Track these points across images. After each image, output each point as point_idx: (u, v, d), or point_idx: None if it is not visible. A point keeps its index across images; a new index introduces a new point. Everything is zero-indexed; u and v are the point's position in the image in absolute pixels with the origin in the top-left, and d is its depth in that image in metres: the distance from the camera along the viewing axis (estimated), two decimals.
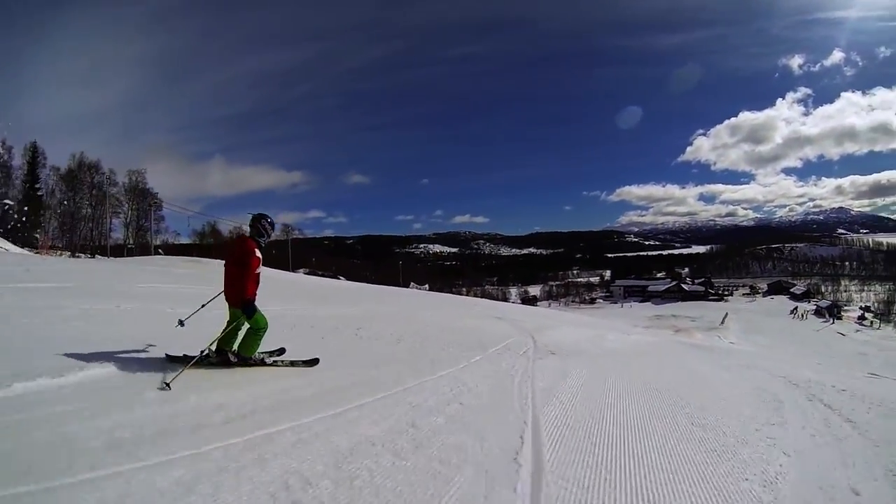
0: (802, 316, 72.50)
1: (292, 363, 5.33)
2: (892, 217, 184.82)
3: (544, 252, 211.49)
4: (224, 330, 4.83)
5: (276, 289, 16.67)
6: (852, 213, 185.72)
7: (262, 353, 5.22)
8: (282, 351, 5.61)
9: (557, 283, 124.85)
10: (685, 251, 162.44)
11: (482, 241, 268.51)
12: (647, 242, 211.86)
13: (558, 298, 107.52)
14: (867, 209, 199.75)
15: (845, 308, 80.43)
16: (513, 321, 14.49)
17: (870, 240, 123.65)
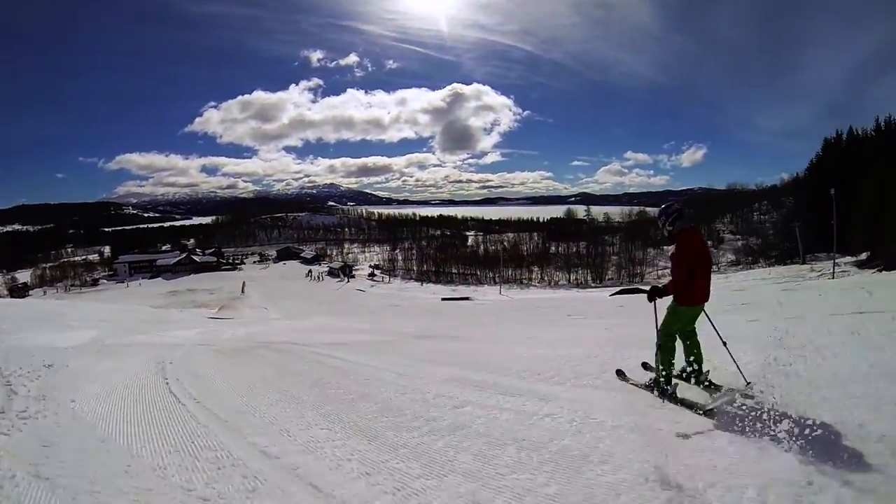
0: (319, 277, 77.93)
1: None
2: (374, 193, 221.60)
3: (31, 229, 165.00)
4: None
5: None
6: (342, 188, 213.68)
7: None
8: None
9: (52, 264, 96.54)
10: (187, 222, 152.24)
11: None
12: (146, 214, 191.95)
13: (54, 283, 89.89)
14: (354, 186, 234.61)
15: (356, 268, 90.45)
16: None
17: (363, 210, 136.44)
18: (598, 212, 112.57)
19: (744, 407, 3.67)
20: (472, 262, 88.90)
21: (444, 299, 50.99)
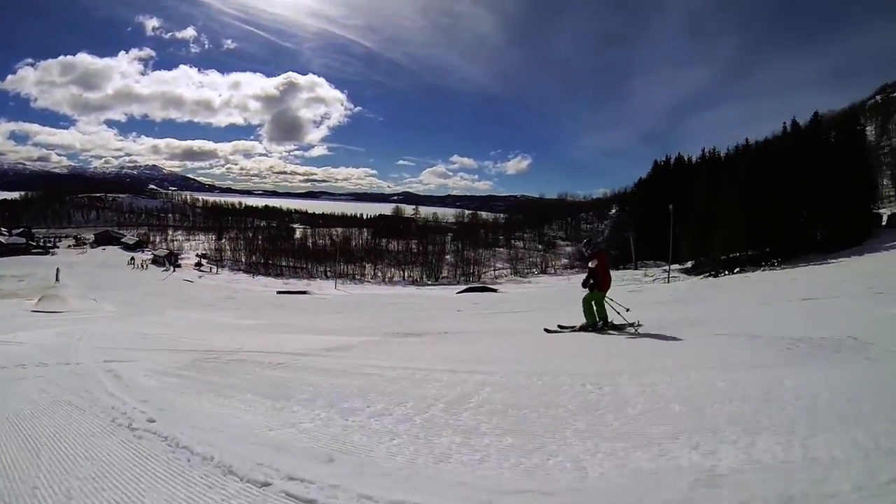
0: (142, 266, 73.40)
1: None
2: (197, 179, 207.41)
3: None
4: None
5: None
6: (164, 171, 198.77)
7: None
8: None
9: None
10: None
11: None
12: None
13: None
14: (178, 170, 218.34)
15: (182, 256, 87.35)
16: None
17: (188, 196, 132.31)
18: (426, 212, 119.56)
19: (630, 330, 8.68)
20: (302, 255, 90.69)
21: (279, 292, 51.84)
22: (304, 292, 52.09)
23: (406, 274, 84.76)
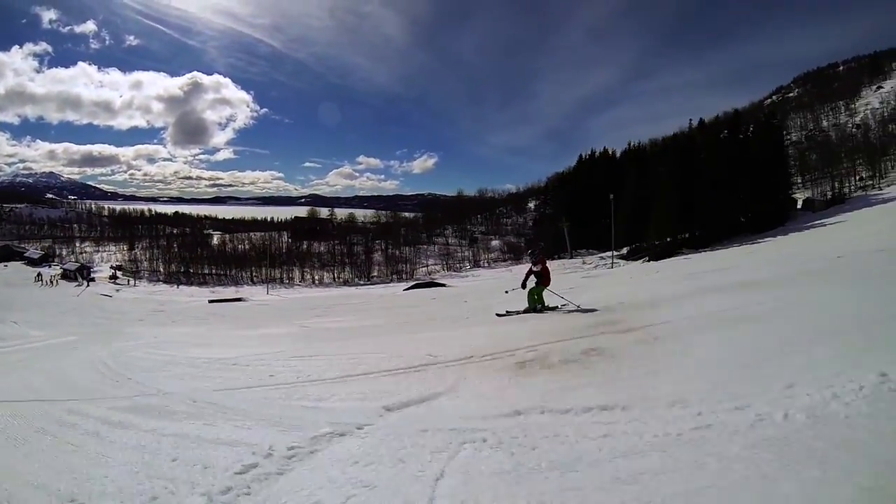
0: (52, 282, 67.43)
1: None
2: (98, 186, 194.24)
3: None
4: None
5: None
6: (62, 178, 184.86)
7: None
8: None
9: None
10: None
11: None
12: None
13: None
14: (77, 177, 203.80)
15: (94, 269, 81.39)
16: None
17: (91, 204, 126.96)
18: (340, 213, 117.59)
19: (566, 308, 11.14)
20: (222, 261, 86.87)
21: (211, 301, 48.96)
22: (239, 299, 49.08)
23: (336, 275, 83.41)
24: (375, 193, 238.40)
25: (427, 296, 27.74)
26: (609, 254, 55.14)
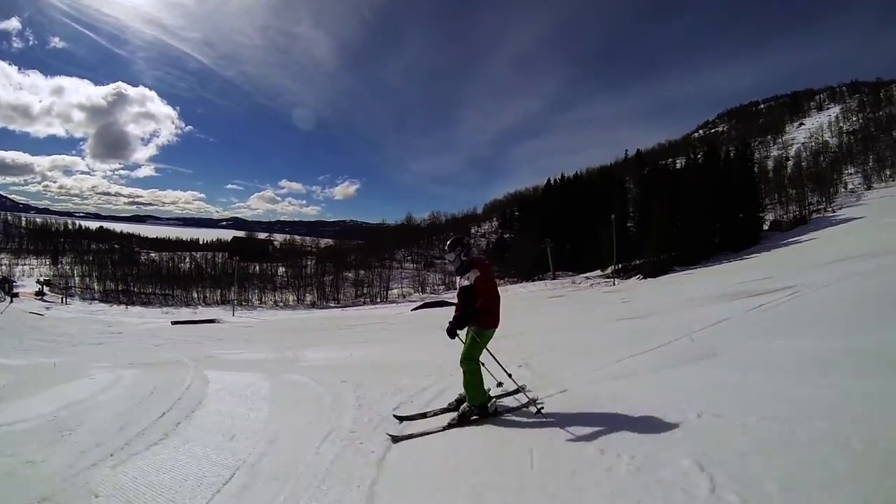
0: None
1: None
2: (9, 196, 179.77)
3: None
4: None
5: None
6: None
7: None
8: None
9: None
10: None
11: None
12: None
13: None
14: None
15: (16, 284, 70.88)
16: None
17: (7, 214, 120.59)
18: (279, 237, 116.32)
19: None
20: (157, 280, 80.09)
21: (175, 322, 42.46)
22: (212, 321, 42.76)
23: (299, 297, 77.75)
24: (297, 219, 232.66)
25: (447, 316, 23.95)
26: (594, 273, 55.01)
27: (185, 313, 57.25)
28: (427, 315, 34.77)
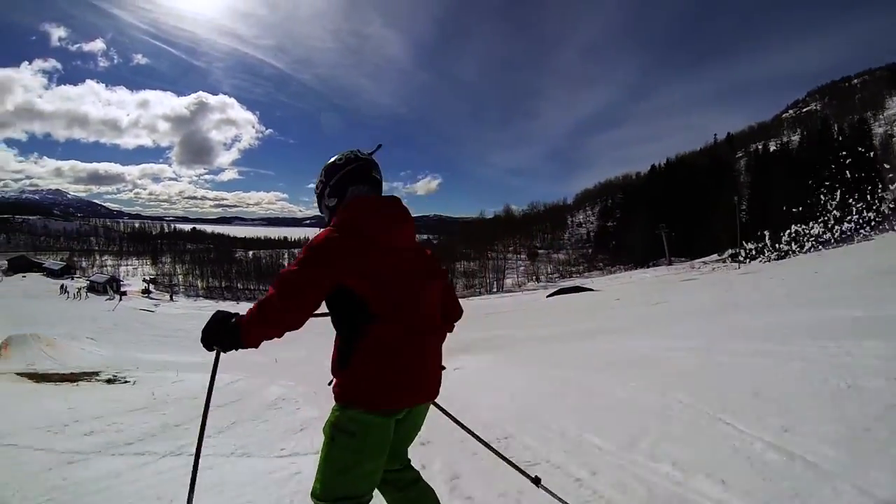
0: (79, 295, 59.07)
1: None
2: (104, 204, 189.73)
3: None
4: None
5: None
6: (69, 196, 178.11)
7: None
8: None
9: None
10: None
11: None
12: None
13: None
14: (83, 194, 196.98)
15: (123, 283, 74.28)
16: None
17: (106, 221, 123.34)
18: None
19: None
20: (255, 277, 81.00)
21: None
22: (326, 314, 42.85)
23: None
24: None
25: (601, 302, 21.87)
26: (712, 258, 50.93)
27: None
28: (572, 301, 32.10)
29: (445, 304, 2.05)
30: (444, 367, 1.92)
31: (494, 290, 74.36)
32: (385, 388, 1.68)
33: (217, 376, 2.05)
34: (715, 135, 77.89)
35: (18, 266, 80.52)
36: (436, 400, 1.94)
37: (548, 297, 43.48)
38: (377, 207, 1.80)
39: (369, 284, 1.63)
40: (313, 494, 1.73)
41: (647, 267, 60.20)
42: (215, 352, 1.84)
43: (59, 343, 23.09)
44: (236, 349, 1.74)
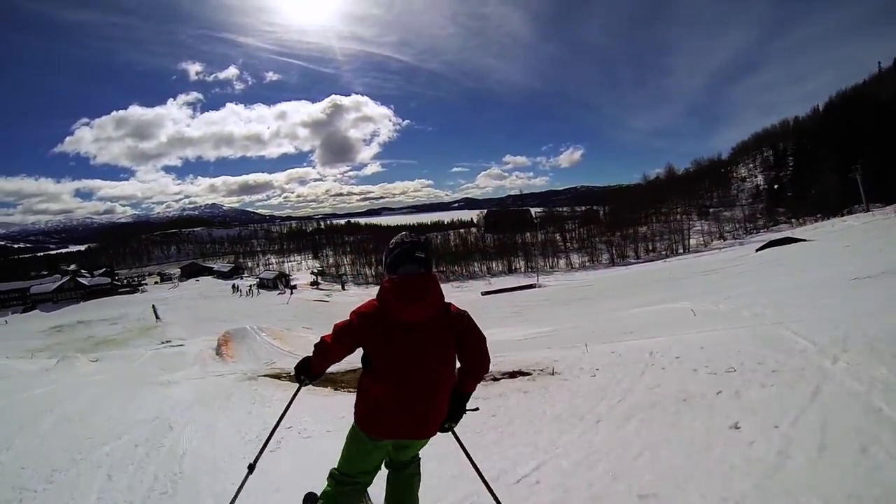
0: (252, 291, 63.18)
1: None
2: (256, 211, 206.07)
3: None
4: None
5: None
6: (224, 208, 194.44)
7: None
8: None
9: None
10: (63, 251, 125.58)
11: None
12: (16, 246, 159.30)
13: None
14: (236, 204, 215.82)
15: (291, 277, 77.29)
16: None
17: (263, 225, 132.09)
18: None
19: None
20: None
21: (485, 293, 46.49)
22: (532, 286, 47.36)
23: (592, 258, 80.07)
24: (527, 191, 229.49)
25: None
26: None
27: (477, 285, 58.77)
28: (801, 250, 26.97)
29: (467, 360, 2.35)
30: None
31: (680, 251, 71.46)
32: (362, 417, 2.31)
33: None
34: (879, 62, 65.51)
35: (191, 272, 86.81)
36: None
37: (757, 251, 38.27)
38: (396, 288, 2.16)
39: (372, 347, 2.18)
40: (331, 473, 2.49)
41: (843, 215, 51.42)
42: (300, 382, 2.56)
43: (286, 334, 22.36)
44: (311, 379, 2.52)
